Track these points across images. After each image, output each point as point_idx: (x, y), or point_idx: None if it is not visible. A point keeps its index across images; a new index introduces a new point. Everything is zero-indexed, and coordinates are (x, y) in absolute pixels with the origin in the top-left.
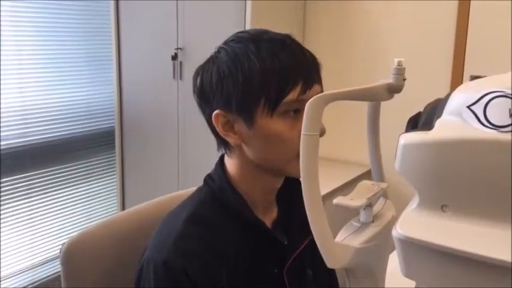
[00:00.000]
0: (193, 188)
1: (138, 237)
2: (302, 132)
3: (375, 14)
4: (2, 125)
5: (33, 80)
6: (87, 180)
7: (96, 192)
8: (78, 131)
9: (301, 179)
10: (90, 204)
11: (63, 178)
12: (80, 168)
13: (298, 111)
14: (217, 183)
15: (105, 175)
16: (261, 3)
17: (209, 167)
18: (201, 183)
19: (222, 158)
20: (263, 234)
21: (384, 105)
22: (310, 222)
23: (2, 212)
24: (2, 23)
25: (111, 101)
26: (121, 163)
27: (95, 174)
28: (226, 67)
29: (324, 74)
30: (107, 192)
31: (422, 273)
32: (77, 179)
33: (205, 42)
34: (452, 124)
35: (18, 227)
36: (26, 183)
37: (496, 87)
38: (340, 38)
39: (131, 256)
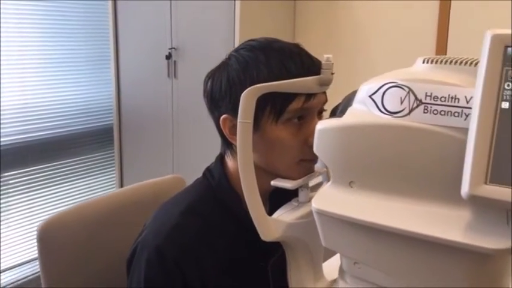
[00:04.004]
0: (156, 179)
1: (109, 221)
2: (238, 120)
3: (363, 14)
4: (3, 121)
5: (34, 78)
6: (86, 175)
7: (96, 187)
8: (78, 128)
9: (238, 160)
10: (90, 198)
11: (64, 173)
12: (80, 163)
13: (302, 118)
14: (216, 179)
15: (104, 170)
16: (250, 3)
17: (202, 160)
18: (194, 176)
19: (222, 154)
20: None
21: None
22: (246, 198)
23: (2, 207)
24: (4, 24)
25: (109, 99)
26: (119, 159)
27: (95, 169)
28: (236, 74)
29: None
30: (106, 187)
31: (337, 242)
32: (76, 174)
33: (197, 42)
34: (358, 111)
35: (18, 221)
36: (27, 178)
37: (392, 78)
38: (330, 37)
39: (103, 237)
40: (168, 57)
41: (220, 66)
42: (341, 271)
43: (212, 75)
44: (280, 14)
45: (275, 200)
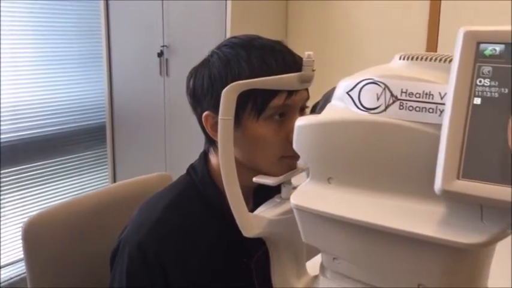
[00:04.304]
0: (142, 177)
1: (94, 218)
2: (219, 117)
3: (355, 14)
4: None
5: (27, 77)
6: (79, 173)
7: (89, 185)
8: (70, 126)
9: (219, 157)
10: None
11: (56, 171)
12: (73, 161)
13: (283, 115)
14: (199, 175)
15: (97, 168)
16: (241, 4)
17: (194, 157)
18: None
19: (206, 151)
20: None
21: None
22: (227, 195)
23: None
24: None
25: (102, 97)
26: (112, 156)
27: (88, 167)
28: (217, 71)
29: None
30: (99, 185)
31: (316, 237)
32: (69, 172)
33: (189, 40)
34: (336, 108)
35: (11, 219)
36: (20, 176)
37: (369, 75)
38: (322, 37)
39: (88, 235)
40: (160, 55)
41: (202, 63)
42: (322, 267)
43: (194, 73)
44: (272, 13)
45: (260, 196)
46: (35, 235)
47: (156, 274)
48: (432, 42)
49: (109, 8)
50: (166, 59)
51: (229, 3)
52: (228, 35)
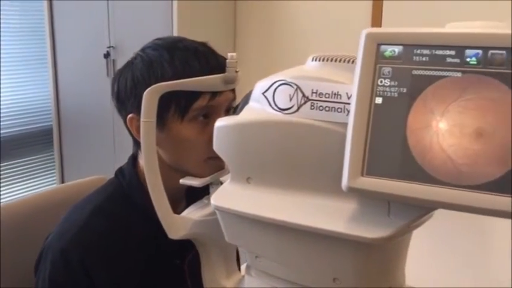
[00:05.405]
0: (78, 180)
1: (24, 225)
2: (141, 120)
3: (301, 15)
4: None
5: None
6: (26, 178)
7: (37, 190)
8: (16, 129)
9: (143, 159)
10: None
11: (2, 177)
12: (19, 166)
13: (208, 116)
14: (126, 178)
15: (44, 173)
16: (187, 4)
17: None
18: None
19: (134, 154)
20: None
21: None
22: (151, 197)
23: None
24: None
25: (48, 100)
26: (60, 160)
27: (35, 172)
28: (140, 74)
29: (255, 73)
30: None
31: (238, 237)
32: (16, 177)
33: (135, 40)
34: (253, 109)
35: None
36: None
37: (283, 76)
38: (270, 37)
39: (16, 242)
40: (107, 56)
41: (126, 65)
42: (247, 266)
43: (118, 75)
44: (220, 13)
45: (192, 198)
46: None
47: (80, 280)
48: None
49: (53, 7)
50: (113, 60)
51: (175, 3)
52: (175, 35)
